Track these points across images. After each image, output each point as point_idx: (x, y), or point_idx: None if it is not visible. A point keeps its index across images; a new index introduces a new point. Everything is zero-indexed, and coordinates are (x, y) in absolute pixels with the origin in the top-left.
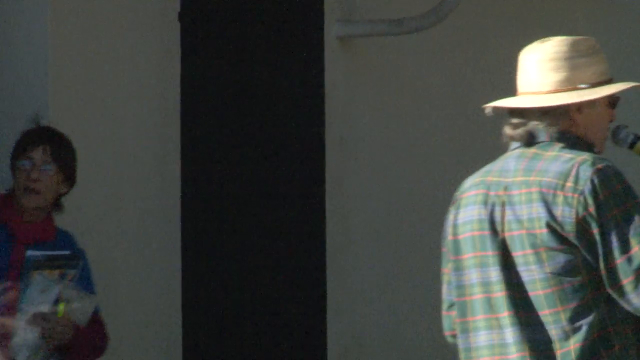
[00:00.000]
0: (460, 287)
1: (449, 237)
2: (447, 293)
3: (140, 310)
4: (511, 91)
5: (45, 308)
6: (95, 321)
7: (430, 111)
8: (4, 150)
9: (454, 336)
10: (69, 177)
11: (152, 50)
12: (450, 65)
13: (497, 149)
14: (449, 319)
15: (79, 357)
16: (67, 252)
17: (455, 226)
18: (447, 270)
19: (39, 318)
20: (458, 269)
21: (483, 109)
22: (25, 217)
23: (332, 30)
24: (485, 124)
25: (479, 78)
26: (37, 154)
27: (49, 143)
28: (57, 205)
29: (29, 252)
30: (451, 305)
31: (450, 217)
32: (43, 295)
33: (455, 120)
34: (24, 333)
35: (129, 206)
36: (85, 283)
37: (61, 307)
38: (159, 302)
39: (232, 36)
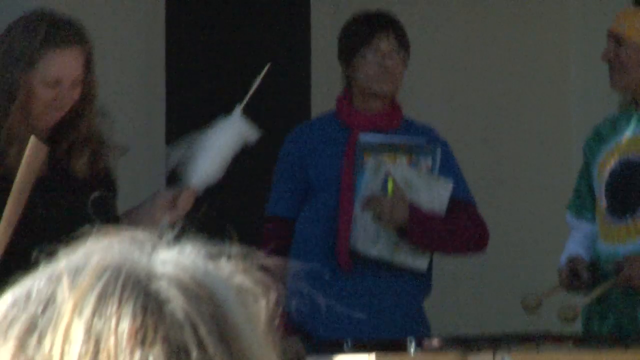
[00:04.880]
0: None
1: None
2: None
3: None
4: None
5: (376, 189)
6: (463, 210)
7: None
8: None
9: None
10: (405, 62)
11: (137, 18)
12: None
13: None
14: None
15: (433, 243)
16: (409, 139)
17: None
18: None
19: (370, 201)
20: None
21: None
22: (371, 105)
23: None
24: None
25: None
26: (383, 43)
27: (393, 29)
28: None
29: (361, 136)
30: None
31: None
32: (374, 177)
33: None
34: (361, 220)
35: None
36: (447, 173)
37: (390, 185)
38: None
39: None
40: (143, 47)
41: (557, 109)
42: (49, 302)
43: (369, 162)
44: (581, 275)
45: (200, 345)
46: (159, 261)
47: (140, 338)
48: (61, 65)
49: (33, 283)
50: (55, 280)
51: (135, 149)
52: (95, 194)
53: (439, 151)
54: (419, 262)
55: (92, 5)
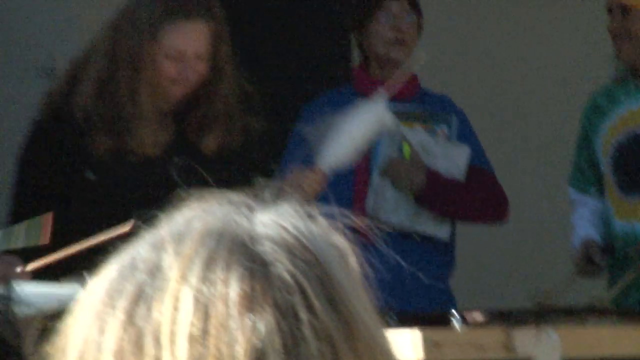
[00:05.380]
0: None
1: None
2: None
3: None
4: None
5: (393, 154)
6: (482, 177)
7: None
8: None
9: None
10: (421, 27)
11: None
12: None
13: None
14: None
15: (452, 208)
16: (425, 107)
17: None
18: None
19: (387, 166)
20: None
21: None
22: (386, 74)
23: None
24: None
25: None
26: (395, 6)
27: None
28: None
29: None
30: None
31: None
32: (391, 144)
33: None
34: (381, 189)
35: None
36: (463, 140)
37: (406, 148)
38: None
39: None
40: None
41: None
42: (155, 270)
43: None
44: (595, 259)
45: (310, 308)
46: (260, 223)
47: (249, 303)
48: (184, 38)
49: (137, 251)
50: (159, 248)
51: None
52: (177, 159)
53: (455, 119)
54: (441, 231)
55: None
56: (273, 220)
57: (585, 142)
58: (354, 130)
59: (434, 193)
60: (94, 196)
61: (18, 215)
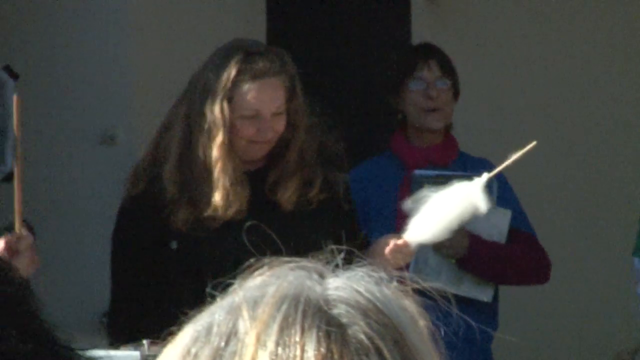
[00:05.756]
0: None
1: None
2: None
3: None
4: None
5: None
6: (523, 240)
7: (517, 70)
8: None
9: None
10: (457, 92)
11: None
12: (539, 25)
13: (577, 112)
14: None
15: (494, 272)
16: (461, 173)
17: None
18: None
19: None
20: None
21: (569, 72)
22: (425, 139)
23: None
24: (572, 86)
25: (566, 42)
26: (426, 72)
27: (436, 58)
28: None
29: (416, 171)
30: None
31: None
32: None
33: (542, 81)
34: (423, 254)
35: None
36: (504, 203)
37: None
38: None
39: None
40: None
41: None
42: (231, 335)
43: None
44: None
45: None
46: (333, 287)
47: None
48: (258, 98)
49: (213, 316)
50: (235, 312)
51: None
52: (249, 223)
53: (495, 182)
54: (484, 293)
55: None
56: (346, 285)
57: None
58: (449, 209)
59: (477, 258)
60: (175, 265)
61: (117, 295)
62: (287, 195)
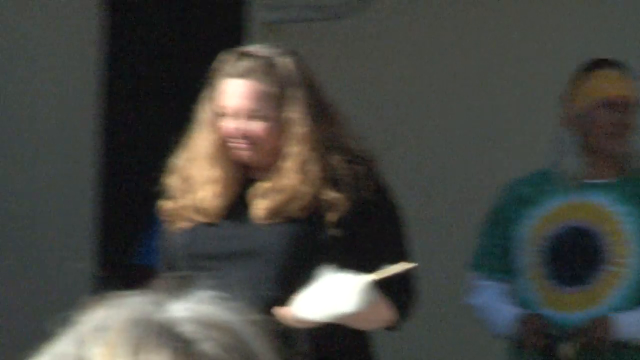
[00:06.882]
0: None
1: None
2: None
3: None
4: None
5: None
6: None
7: (356, 101)
8: None
9: None
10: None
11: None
12: (375, 54)
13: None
14: None
15: None
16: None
17: None
18: None
19: None
20: None
21: (407, 96)
22: None
23: (257, 16)
24: (414, 113)
25: (403, 68)
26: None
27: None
28: None
29: None
30: None
31: None
32: None
33: (382, 110)
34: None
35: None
36: None
37: None
38: None
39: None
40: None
41: None
42: None
43: None
44: (549, 331)
45: None
46: (175, 309)
47: None
48: (226, 95)
49: (58, 349)
50: (82, 342)
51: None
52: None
53: None
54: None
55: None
56: (188, 305)
57: (502, 229)
58: (332, 293)
59: None
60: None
61: None
62: (261, 206)
